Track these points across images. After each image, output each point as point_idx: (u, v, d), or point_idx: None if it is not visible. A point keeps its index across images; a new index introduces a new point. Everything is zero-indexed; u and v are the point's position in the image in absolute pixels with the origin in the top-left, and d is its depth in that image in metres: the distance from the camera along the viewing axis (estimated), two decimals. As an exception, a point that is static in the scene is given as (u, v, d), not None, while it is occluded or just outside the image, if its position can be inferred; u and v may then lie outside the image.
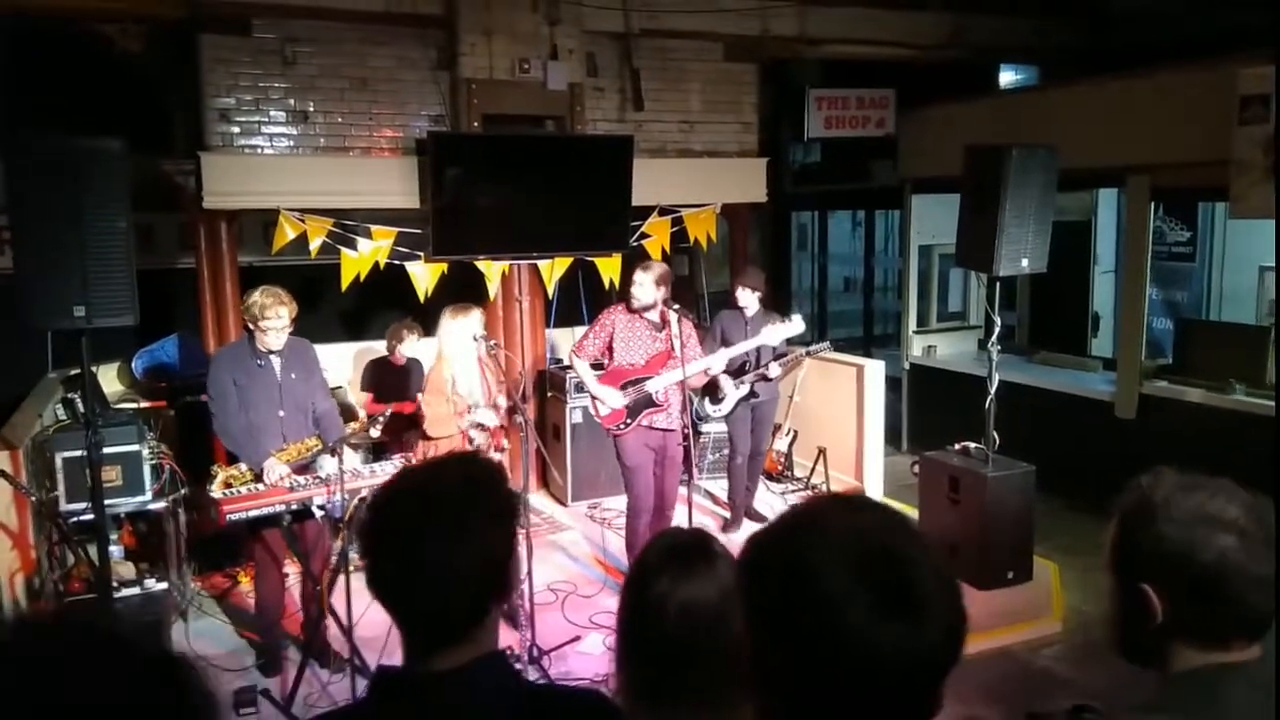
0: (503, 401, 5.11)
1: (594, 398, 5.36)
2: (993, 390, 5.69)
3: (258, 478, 4.52)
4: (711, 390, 6.30)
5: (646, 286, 5.21)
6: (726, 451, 6.74)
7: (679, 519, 5.41)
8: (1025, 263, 5.50)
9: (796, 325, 5.92)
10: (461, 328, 4.99)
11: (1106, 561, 1.43)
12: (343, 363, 7.23)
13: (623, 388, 5.29)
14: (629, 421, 5.27)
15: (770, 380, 6.40)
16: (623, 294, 6.10)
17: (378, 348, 6.87)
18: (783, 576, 1.00)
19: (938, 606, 0.97)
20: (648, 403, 5.28)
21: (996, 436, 5.70)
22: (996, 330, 5.76)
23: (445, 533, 1.32)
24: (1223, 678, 1.33)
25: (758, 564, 1.06)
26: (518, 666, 4.31)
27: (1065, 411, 7.32)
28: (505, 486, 1.43)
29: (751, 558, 1.08)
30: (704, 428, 7.09)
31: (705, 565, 1.52)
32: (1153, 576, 1.35)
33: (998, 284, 5.72)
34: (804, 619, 0.97)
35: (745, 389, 6.32)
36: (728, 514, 6.63)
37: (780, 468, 7.51)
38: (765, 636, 1.02)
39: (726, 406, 6.36)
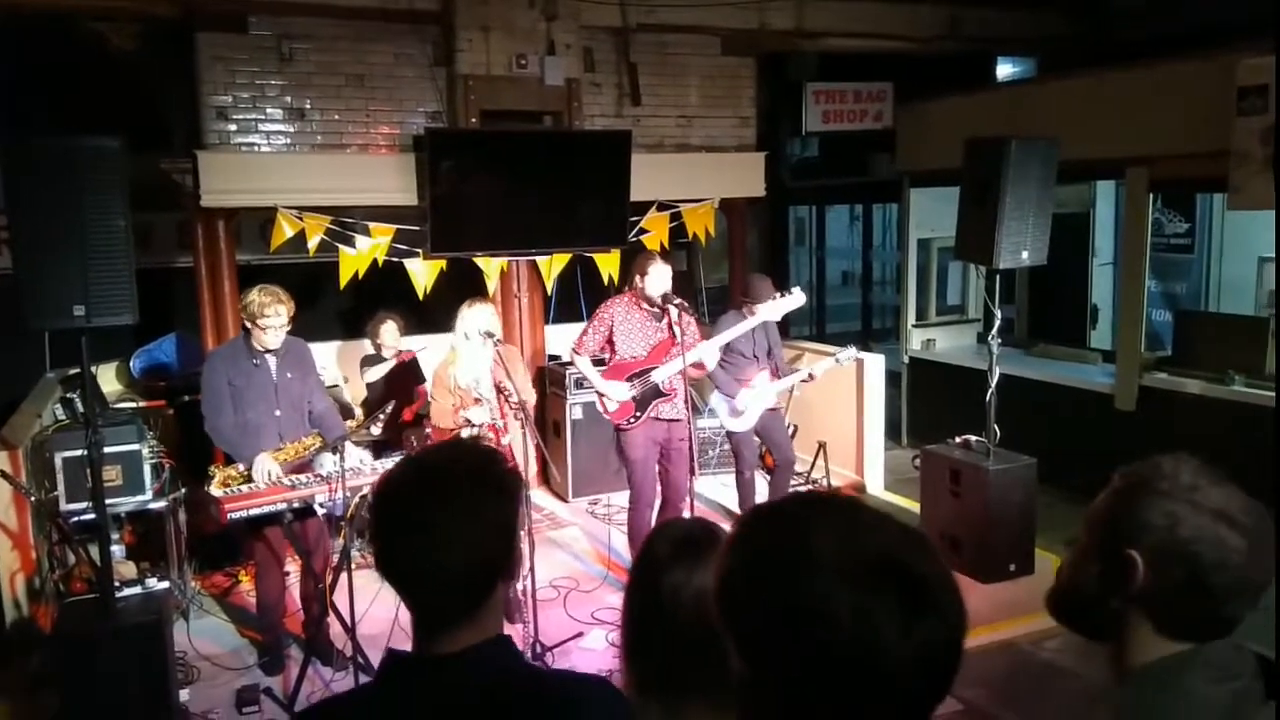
0: (527, 395, 5.04)
1: (600, 395, 5.34)
2: (993, 383, 5.69)
3: (252, 478, 4.50)
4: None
5: (665, 278, 5.20)
6: (727, 447, 6.68)
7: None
8: (1025, 255, 5.49)
9: (797, 298, 5.69)
10: (475, 317, 4.99)
11: (1091, 520, 1.37)
12: (340, 361, 7.22)
13: (628, 380, 5.26)
14: (639, 415, 5.24)
15: (807, 380, 6.34)
16: (620, 288, 6.08)
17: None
18: (789, 616, 0.91)
19: (946, 584, 0.93)
20: (655, 393, 5.26)
21: (998, 429, 5.70)
22: (997, 323, 5.75)
23: (451, 506, 1.35)
24: (1184, 666, 1.31)
25: (749, 601, 0.95)
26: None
27: (1065, 404, 7.33)
28: (506, 465, 1.45)
29: (736, 594, 0.97)
30: (702, 423, 7.03)
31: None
32: (1146, 548, 1.30)
33: (997, 277, 5.72)
34: (828, 652, 0.89)
35: (770, 399, 6.15)
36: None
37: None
38: (773, 671, 0.94)
39: (749, 420, 6.10)
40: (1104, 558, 1.34)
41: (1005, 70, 9.95)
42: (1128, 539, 1.32)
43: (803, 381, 6.34)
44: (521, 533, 1.47)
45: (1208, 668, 1.31)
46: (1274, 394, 5.98)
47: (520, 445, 5.12)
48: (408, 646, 1.41)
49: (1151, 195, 6.96)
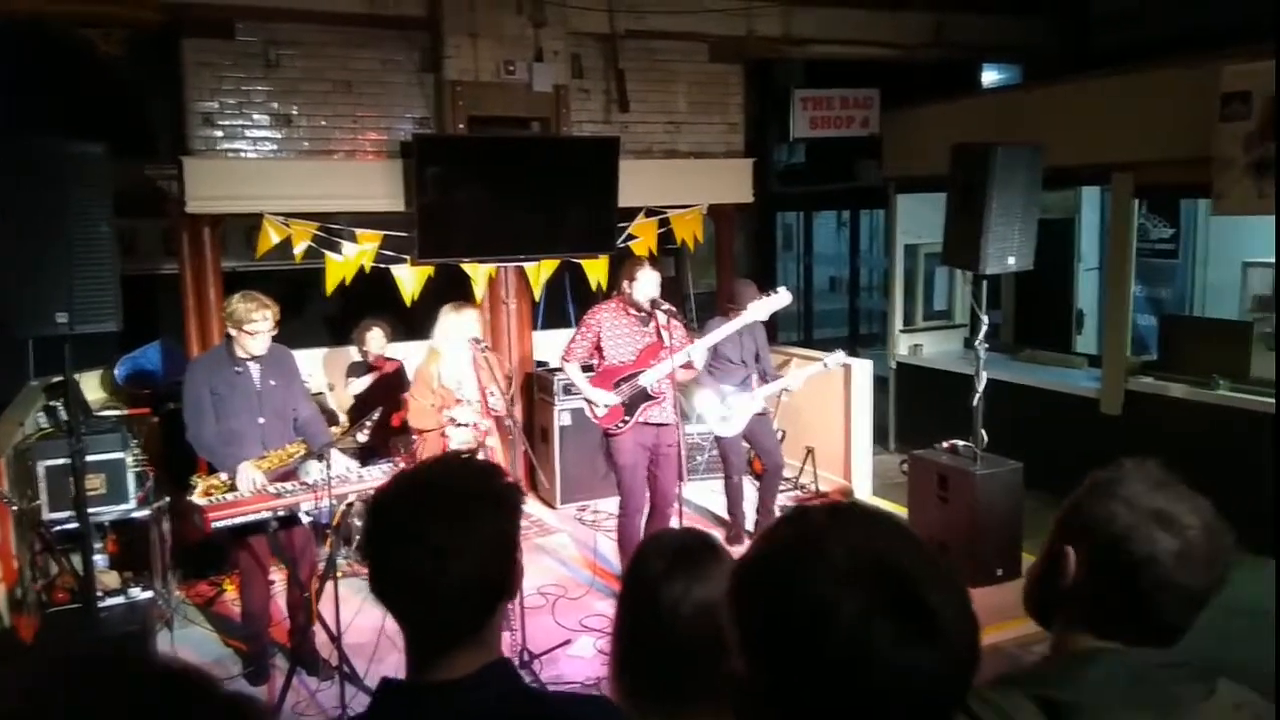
0: (497, 404, 5.06)
1: (589, 401, 5.33)
2: (980, 388, 5.71)
3: (235, 487, 4.46)
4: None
5: (653, 284, 5.18)
6: (716, 453, 6.67)
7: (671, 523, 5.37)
8: (1012, 260, 5.51)
9: (783, 297, 5.57)
10: (459, 322, 4.98)
11: (1054, 518, 1.44)
12: (326, 368, 7.19)
13: (615, 386, 5.25)
14: (627, 419, 5.23)
15: (790, 390, 6.31)
16: (608, 295, 6.06)
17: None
18: (790, 613, 0.91)
19: (956, 618, 0.92)
20: (644, 397, 5.25)
21: (985, 434, 5.72)
22: (983, 328, 5.77)
23: (449, 523, 1.30)
24: (1093, 657, 1.33)
25: (756, 596, 0.97)
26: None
27: (1051, 409, 7.35)
28: (505, 479, 1.42)
29: (745, 589, 0.98)
30: (691, 428, 7.01)
31: (715, 564, 1.52)
32: (1080, 544, 1.35)
33: (984, 282, 5.74)
34: (820, 655, 0.89)
35: (758, 404, 6.15)
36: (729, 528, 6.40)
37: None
38: (770, 671, 0.93)
39: (737, 425, 6.11)
40: (1049, 551, 1.41)
41: (991, 77, 9.99)
42: (1068, 534, 1.38)
43: (783, 391, 6.35)
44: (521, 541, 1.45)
45: (1119, 665, 1.32)
46: (1259, 398, 6.02)
47: (501, 450, 5.12)
48: (395, 655, 1.39)
49: (1136, 201, 7.00)
